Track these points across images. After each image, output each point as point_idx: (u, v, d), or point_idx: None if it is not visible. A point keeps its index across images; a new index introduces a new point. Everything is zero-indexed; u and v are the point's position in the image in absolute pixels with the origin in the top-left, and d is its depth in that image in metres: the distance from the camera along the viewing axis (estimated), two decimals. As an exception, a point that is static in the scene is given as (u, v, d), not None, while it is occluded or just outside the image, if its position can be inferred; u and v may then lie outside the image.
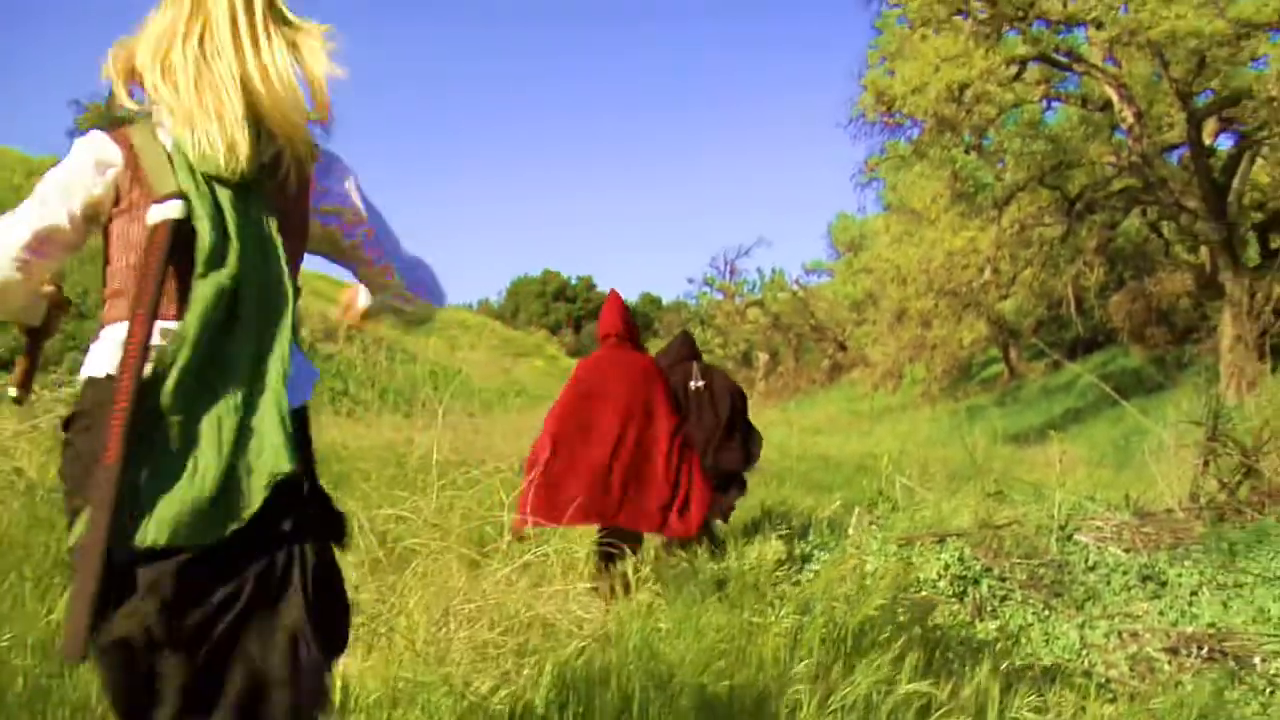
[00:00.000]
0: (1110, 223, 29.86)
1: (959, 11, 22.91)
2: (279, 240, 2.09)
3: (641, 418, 5.91)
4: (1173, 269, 33.51)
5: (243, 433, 1.94)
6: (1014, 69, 24.20)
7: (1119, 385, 25.71)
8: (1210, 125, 25.84)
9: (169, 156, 2.03)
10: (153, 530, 1.85)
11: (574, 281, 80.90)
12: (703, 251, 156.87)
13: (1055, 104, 28.76)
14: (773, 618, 4.87)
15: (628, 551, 5.55)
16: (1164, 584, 6.15)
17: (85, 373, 2.09)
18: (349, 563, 4.82)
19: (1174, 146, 26.75)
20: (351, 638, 2.29)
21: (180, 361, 1.90)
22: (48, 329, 2.31)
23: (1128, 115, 24.47)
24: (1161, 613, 5.81)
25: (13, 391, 2.37)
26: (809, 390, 53.64)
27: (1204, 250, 28.00)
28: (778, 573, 5.97)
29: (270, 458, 1.94)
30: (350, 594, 2.29)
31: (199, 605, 1.92)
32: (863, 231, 51.88)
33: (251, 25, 2.06)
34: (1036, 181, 27.44)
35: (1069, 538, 6.80)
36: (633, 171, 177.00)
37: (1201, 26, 19.91)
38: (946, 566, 6.16)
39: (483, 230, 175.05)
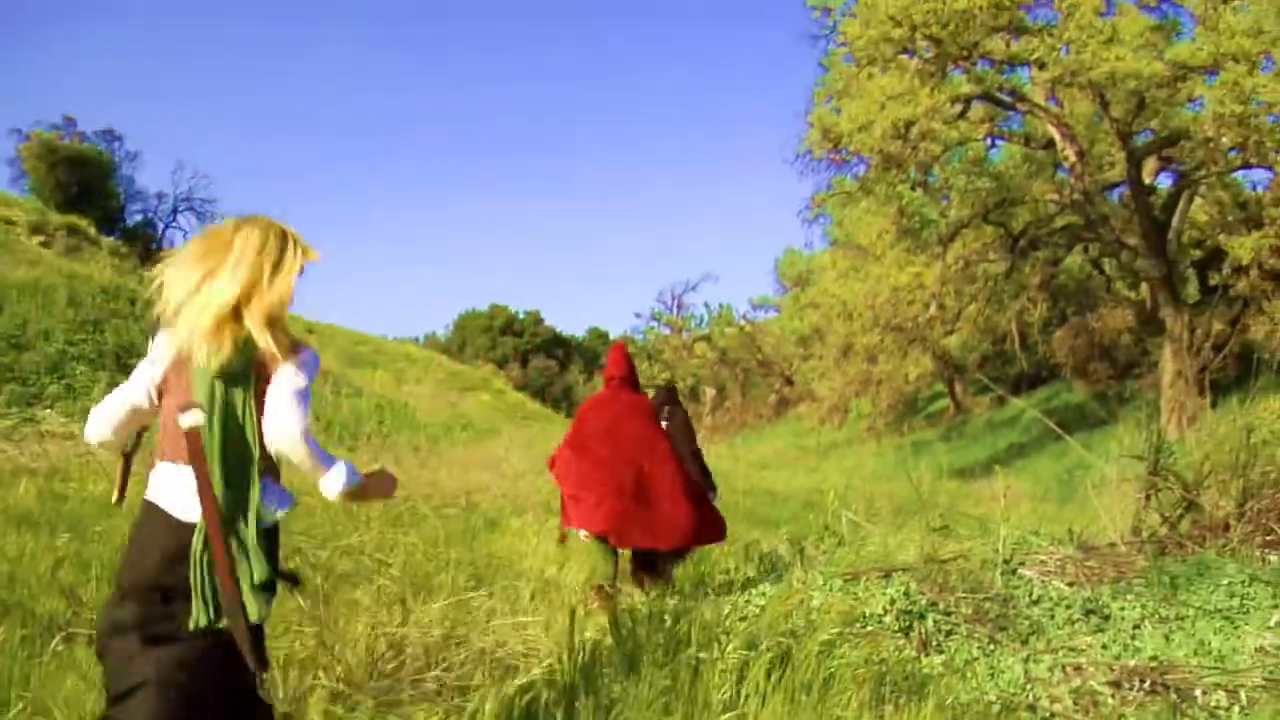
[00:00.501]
0: (1053, 259, 30.25)
1: (905, 51, 23.19)
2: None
3: (643, 447, 7.02)
4: (1114, 305, 33.98)
5: None
6: (958, 107, 24.51)
7: (1062, 420, 25.98)
8: (1150, 164, 26.29)
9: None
10: None
11: (521, 316, 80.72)
12: (650, 286, 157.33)
13: (999, 142, 29.15)
14: (719, 653, 4.83)
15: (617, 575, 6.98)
16: (1107, 617, 6.18)
17: (149, 498, 3.21)
18: (290, 598, 4.75)
19: (1115, 185, 27.19)
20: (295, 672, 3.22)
21: None
22: (132, 453, 3.53)
23: (1070, 154, 24.83)
24: (1105, 646, 5.83)
25: (115, 495, 3.52)
26: (755, 425, 53.81)
27: (1145, 287, 28.42)
28: (724, 608, 5.95)
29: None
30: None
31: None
32: (809, 267, 52.21)
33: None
34: (981, 218, 27.75)
35: (1014, 572, 6.82)
36: (580, 206, 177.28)
37: (1140, 68, 20.27)
38: (892, 601, 6.15)
39: (430, 264, 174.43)
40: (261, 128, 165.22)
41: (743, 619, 5.86)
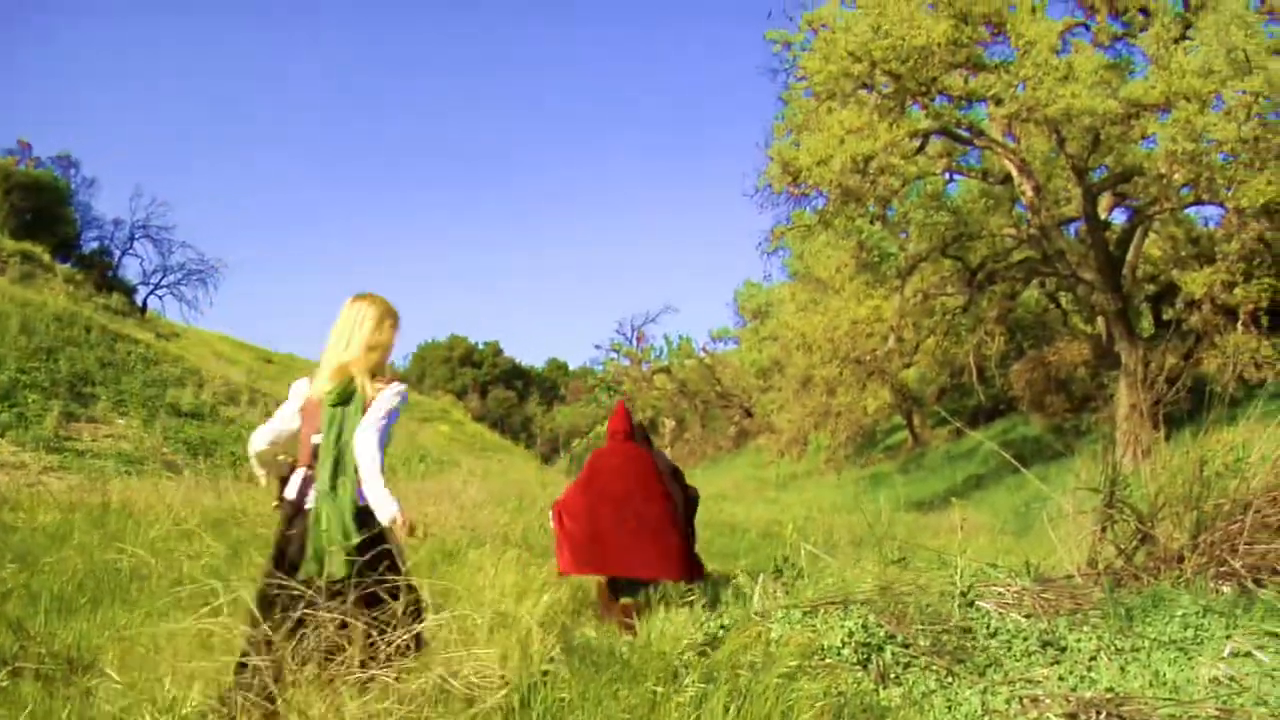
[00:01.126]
0: (1010, 293, 30.51)
1: (864, 85, 23.39)
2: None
3: (642, 491, 7.94)
4: (1070, 339, 34.29)
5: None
6: (917, 142, 24.73)
7: (1019, 453, 26.14)
8: (1105, 200, 26.61)
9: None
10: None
11: (480, 346, 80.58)
12: (609, 318, 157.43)
13: (957, 177, 29.43)
14: (677, 687, 4.81)
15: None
16: (1063, 649, 6.19)
17: (285, 494, 4.76)
18: (242, 631, 4.70)
19: (1071, 220, 27.50)
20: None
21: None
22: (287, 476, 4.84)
23: (1027, 189, 25.10)
24: (1061, 678, 5.84)
25: (275, 503, 4.87)
26: (715, 456, 53.86)
27: (1100, 321, 28.69)
28: (683, 641, 5.92)
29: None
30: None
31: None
32: (769, 299, 52.43)
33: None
34: (939, 252, 27.97)
35: (971, 604, 6.83)
36: (540, 238, 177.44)
37: (1095, 105, 20.53)
38: (850, 633, 6.14)
39: (388, 294, 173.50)
40: (220, 155, 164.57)
41: (701, 652, 5.84)
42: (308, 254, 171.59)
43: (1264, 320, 25.14)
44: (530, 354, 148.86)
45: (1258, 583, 7.00)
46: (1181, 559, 7.34)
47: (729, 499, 29.59)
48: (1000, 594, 7.03)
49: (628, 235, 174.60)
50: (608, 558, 7.76)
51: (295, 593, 4.31)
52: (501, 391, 75.60)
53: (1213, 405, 8.26)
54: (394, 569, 4.56)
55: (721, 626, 6.59)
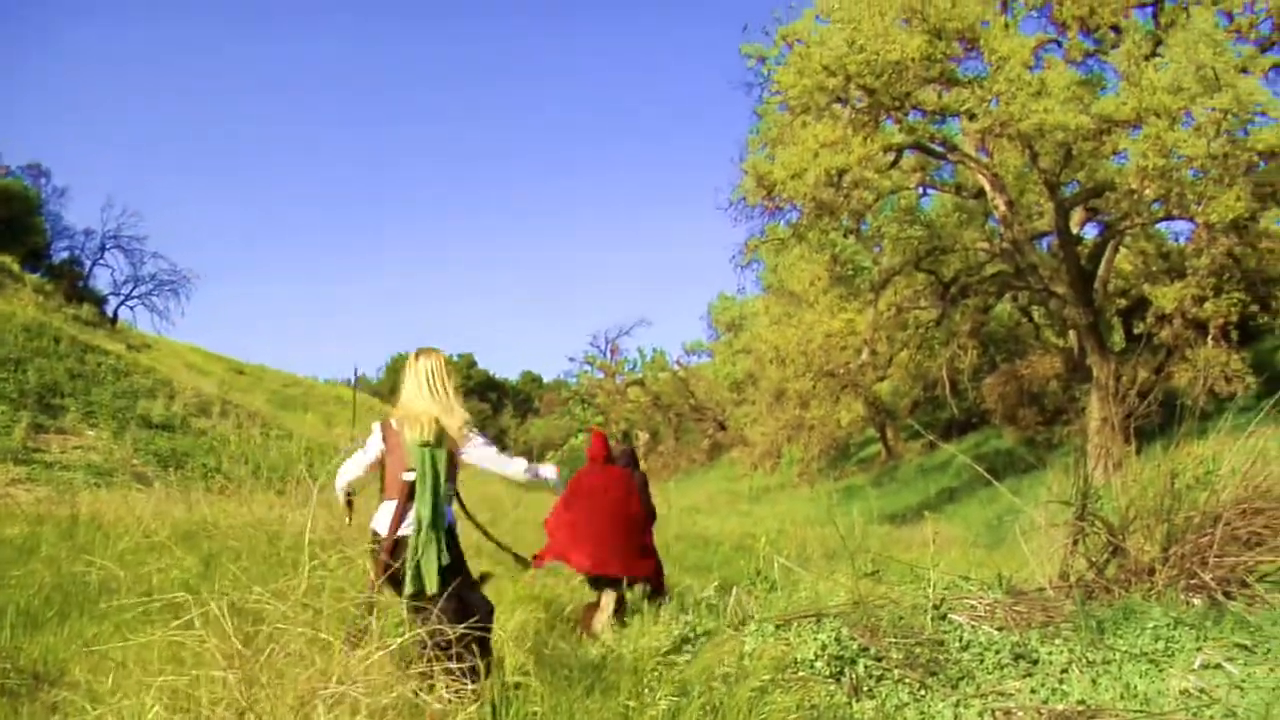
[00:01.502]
0: (983, 307, 30.65)
1: (838, 100, 23.48)
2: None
3: (619, 506, 9.06)
4: (1043, 352, 34.47)
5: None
6: (891, 156, 24.84)
7: (992, 465, 26.23)
8: (1077, 214, 26.79)
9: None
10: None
11: (454, 359, 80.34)
12: (584, 330, 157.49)
13: (930, 191, 29.59)
14: (649, 701, 4.79)
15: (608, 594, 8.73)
16: (1035, 662, 6.21)
17: (373, 525, 5.46)
18: (213, 646, 4.65)
19: (1043, 234, 27.67)
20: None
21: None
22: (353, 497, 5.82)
23: (999, 203, 25.24)
24: (1033, 690, 5.85)
25: (348, 520, 5.79)
26: (689, 469, 53.85)
27: (1072, 334, 28.85)
28: (656, 654, 5.90)
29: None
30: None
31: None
32: (742, 312, 52.50)
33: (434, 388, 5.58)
34: (912, 266, 28.08)
35: (944, 617, 6.84)
36: (514, 250, 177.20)
37: (1067, 121, 20.67)
38: (824, 646, 6.14)
39: (362, 306, 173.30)
40: (192, 165, 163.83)
41: (673, 665, 5.82)
42: (280, 263, 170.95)
43: (1233, 334, 25.33)
44: (504, 366, 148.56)
45: (1227, 595, 7.04)
46: (1152, 571, 7.37)
47: (702, 512, 29.58)
48: (973, 607, 7.04)
49: (602, 248, 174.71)
50: (588, 557, 8.82)
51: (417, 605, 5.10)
52: (475, 404, 75.37)
53: (1183, 419, 8.30)
54: (470, 583, 5.52)
55: (695, 639, 6.58)
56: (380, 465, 5.63)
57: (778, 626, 6.61)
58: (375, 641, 4.93)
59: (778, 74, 23.95)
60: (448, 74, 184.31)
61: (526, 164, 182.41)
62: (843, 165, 22.63)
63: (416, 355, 5.73)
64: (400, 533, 5.34)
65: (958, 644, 6.49)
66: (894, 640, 6.32)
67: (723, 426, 53.61)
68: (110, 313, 43.31)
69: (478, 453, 5.62)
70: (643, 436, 58.26)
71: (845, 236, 28.88)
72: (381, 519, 5.44)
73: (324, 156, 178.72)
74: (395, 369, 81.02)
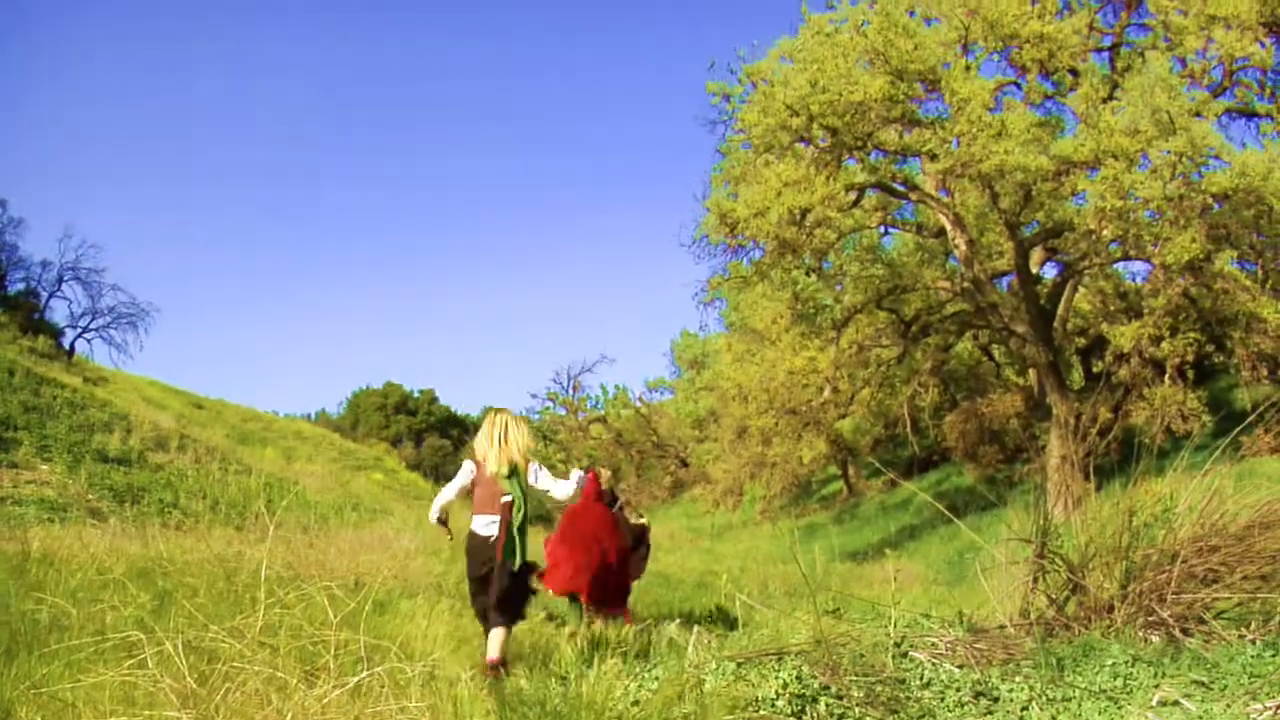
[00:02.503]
0: (944, 345, 30.84)
1: (801, 139, 23.65)
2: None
3: (605, 541, 11.59)
4: (1003, 391, 34.69)
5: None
6: (853, 196, 25.02)
7: (953, 503, 26.33)
8: (1037, 254, 27.06)
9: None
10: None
11: (415, 394, 80.00)
12: (546, 367, 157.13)
13: (892, 230, 29.80)
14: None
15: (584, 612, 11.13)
16: (996, 699, 6.20)
17: (472, 529, 8.15)
18: (168, 686, 4.58)
19: (1003, 274, 27.91)
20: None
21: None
22: (447, 518, 8.26)
23: (960, 243, 25.44)
24: (994, 729, 5.84)
25: (448, 536, 8.32)
26: (650, 506, 53.73)
27: (1032, 373, 29.06)
28: (615, 693, 5.86)
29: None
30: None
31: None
32: (705, 350, 52.61)
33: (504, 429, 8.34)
34: (874, 304, 28.25)
35: (905, 655, 6.83)
36: (477, 285, 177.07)
37: (1027, 162, 20.91)
38: (785, 685, 6.11)
39: (323, 341, 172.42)
40: (153, 197, 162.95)
41: (634, 703, 5.78)
42: (241, 297, 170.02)
43: (1189, 373, 25.57)
44: (466, 402, 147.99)
45: (1185, 632, 7.07)
46: (1111, 609, 7.40)
47: (664, 549, 29.49)
48: (934, 644, 7.04)
49: (564, 284, 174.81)
50: (582, 585, 11.23)
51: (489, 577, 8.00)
52: (437, 440, 75.04)
53: (1141, 457, 8.36)
54: (526, 566, 8.05)
55: (655, 678, 6.54)
56: (469, 491, 8.23)
57: (739, 665, 6.58)
58: (333, 679, 4.87)
59: (742, 112, 24.10)
60: (411, 109, 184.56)
61: (490, 200, 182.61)
62: (805, 204, 22.76)
63: (495, 412, 8.39)
64: (490, 533, 8.01)
65: (919, 682, 6.48)
66: (855, 678, 6.30)
67: (685, 463, 53.62)
68: (67, 345, 42.84)
69: (540, 477, 8.26)
70: (605, 473, 58.03)
71: (807, 275, 29.03)
72: (478, 525, 8.11)
73: (286, 189, 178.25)
74: (356, 404, 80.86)
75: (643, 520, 13.55)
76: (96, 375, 38.96)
